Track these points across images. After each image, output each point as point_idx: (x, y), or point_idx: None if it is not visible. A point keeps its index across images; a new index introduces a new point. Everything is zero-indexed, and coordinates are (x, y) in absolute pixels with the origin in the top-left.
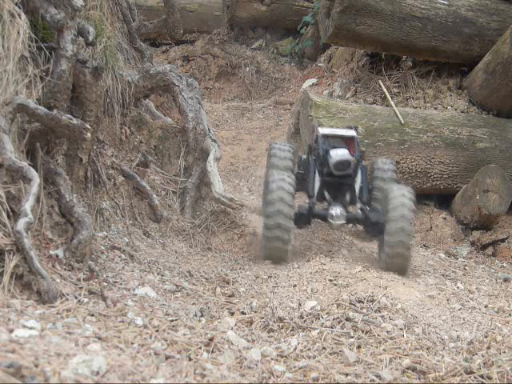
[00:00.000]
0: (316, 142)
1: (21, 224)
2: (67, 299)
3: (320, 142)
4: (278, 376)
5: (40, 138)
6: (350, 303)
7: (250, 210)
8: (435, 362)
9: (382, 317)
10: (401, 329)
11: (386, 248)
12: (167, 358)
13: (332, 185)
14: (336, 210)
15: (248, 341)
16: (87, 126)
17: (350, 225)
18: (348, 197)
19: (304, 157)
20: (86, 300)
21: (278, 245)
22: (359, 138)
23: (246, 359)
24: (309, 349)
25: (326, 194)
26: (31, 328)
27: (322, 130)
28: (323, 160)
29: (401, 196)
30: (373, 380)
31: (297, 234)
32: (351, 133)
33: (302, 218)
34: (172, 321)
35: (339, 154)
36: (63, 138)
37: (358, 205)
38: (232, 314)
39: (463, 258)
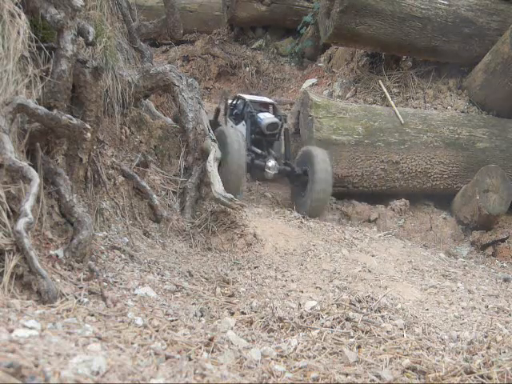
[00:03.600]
0: (235, 106)
1: (21, 224)
2: (67, 299)
3: (250, 106)
4: (277, 376)
5: (40, 137)
6: (350, 303)
7: None
8: (435, 362)
9: (382, 317)
10: (401, 329)
11: (312, 193)
12: (167, 357)
13: (259, 142)
14: (272, 162)
15: (248, 341)
16: (87, 126)
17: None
18: (273, 153)
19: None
20: (85, 300)
21: (237, 180)
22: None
23: (246, 359)
24: (309, 349)
25: (257, 150)
26: (31, 328)
27: (247, 97)
28: (253, 121)
29: (322, 156)
30: (373, 380)
31: (297, 235)
32: (269, 100)
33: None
34: (172, 321)
35: (268, 116)
36: (63, 138)
37: (283, 160)
38: (232, 314)
39: (463, 258)
